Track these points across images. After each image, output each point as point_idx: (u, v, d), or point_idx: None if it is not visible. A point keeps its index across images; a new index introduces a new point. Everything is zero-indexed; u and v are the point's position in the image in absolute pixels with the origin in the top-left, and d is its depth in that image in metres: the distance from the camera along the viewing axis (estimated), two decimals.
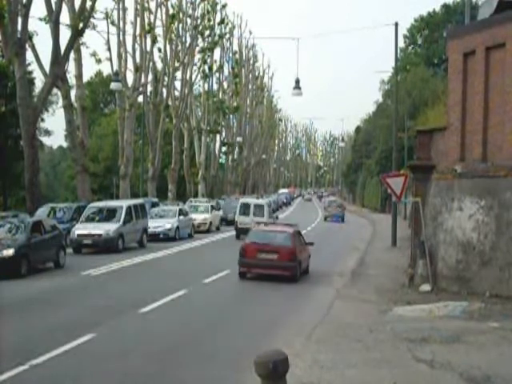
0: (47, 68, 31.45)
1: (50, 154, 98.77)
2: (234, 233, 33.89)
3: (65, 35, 32.46)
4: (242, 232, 30.87)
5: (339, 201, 66.87)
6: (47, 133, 62.71)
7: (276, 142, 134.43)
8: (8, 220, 21.32)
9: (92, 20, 35.35)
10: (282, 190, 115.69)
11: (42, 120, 51.17)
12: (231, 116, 74.01)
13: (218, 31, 60.85)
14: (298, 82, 32.02)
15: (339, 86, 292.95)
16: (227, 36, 66.93)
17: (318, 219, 55.77)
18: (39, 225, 20.59)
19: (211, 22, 58.03)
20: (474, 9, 29.82)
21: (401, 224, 35.31)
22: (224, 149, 74.50)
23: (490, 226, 15.28)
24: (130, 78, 43.85)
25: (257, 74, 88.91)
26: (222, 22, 61.23)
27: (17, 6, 29.18)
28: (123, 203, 28.55)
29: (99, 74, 78.72)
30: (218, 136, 70.70)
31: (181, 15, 51.47)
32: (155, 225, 30.94)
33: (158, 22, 47.59)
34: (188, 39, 53.13)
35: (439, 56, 66.14)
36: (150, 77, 47.09)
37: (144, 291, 16.65)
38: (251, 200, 37.44)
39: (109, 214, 27.23)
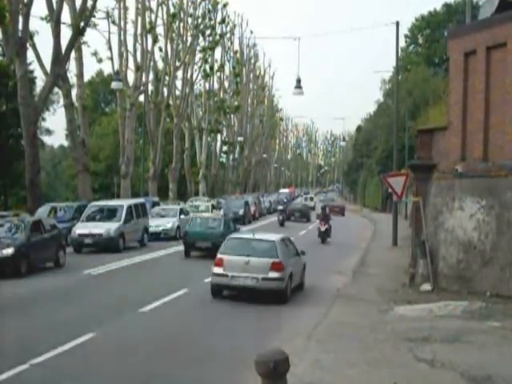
0: (48, 67, 31.44)
1: (51, 153, 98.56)
2: None
3: (66, 34, 32.51)
4: None
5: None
6: (48, 132, 62.91)
7: (277, 141, 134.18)
8: (8, 219, 21.30)
9: (93, 19, 35.37)
10: (282, 190, 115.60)
11: (43, 119, 51.30)
12: (232, 115, 73.97)
13: (218, 30, 60.84)
14: (299, 81, 31.99)
15: (340, 85, 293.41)
16: (228, 35, 66.99)
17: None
18: (39, 224, 20.56)
19: (212, 22, 58.05)
20: (475, 8, 29.85)
21: (401, 223, 35.26)
22: (225, 148, 74.51)
23: (490, 225, 15.26)
24: (130, 77, 43.91)
25: (258, 73, 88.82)
26: (222, 21, 61.20)
27: (18, 5, 29.17)
28: (124, 202, 28.53)
29: (100, 73, 78.63)
30: (218, 135, 70.69)
31: (182, 14, 51.46)
32: (156, 224, 30.94)
33: (159, 22, 47.68)
34: (189, 38, 53.07)
35: (440, 55, 66.04)
36: (151, 76, 47.10)
37: (144, 290, 16.64)
38: (308, 195, 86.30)
39: (109, 214, 27.21)
